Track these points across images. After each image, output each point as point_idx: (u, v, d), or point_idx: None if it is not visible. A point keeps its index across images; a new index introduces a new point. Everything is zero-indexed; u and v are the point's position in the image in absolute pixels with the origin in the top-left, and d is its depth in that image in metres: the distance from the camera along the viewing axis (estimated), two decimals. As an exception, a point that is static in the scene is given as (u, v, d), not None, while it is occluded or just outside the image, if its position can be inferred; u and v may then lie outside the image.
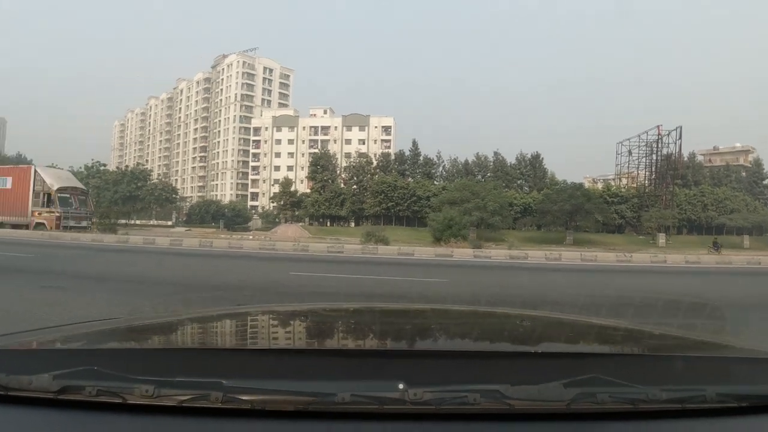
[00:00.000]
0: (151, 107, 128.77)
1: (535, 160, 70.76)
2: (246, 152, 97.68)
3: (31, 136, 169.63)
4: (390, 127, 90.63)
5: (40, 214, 27.37)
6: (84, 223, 28.90)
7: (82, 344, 1.35)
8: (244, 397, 0.91)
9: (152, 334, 1.63)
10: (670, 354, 1.45)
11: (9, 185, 28.89)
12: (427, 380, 0.97)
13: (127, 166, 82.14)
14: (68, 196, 28.81)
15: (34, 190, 27.87)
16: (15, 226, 27.11)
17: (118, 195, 71.13)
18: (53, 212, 27.21)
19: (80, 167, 74.85)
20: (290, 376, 1.01)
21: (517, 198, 61.12)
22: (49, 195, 27.72)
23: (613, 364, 1.16)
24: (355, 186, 68.92)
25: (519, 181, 70.06)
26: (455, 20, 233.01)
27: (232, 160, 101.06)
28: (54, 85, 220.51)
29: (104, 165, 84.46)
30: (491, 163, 71.68)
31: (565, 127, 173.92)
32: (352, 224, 68.76)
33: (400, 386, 0.93)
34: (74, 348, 1.27)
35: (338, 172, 73.34)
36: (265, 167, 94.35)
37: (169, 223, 69.83)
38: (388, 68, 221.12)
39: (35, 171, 28.70)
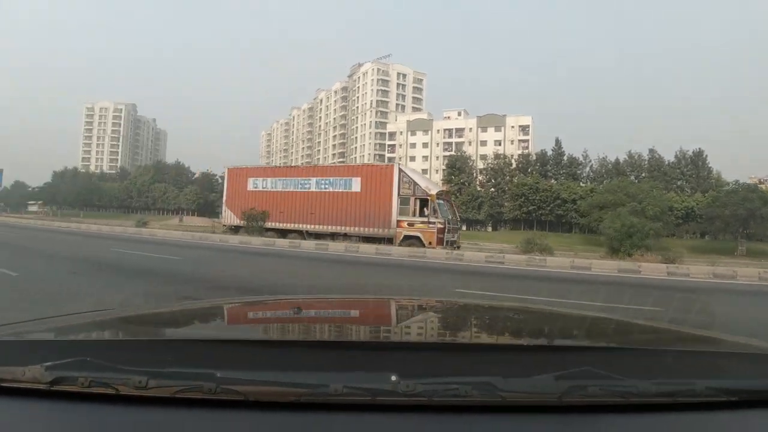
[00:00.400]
0: (294, 117, 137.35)
1: (698, 158, 62.72)
2: (381, 157, 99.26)
3: (189, 147, 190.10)
4: (528, 126, 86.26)
5: (411, 225, 20.99)
6: (455, 237, 22.25)
7: (74, 335, 1.34)
8: (237, 388, 0.92)
9: (145, 325, 1.62)
10: (662, 348, 1.47)
11: (357, 188, 22.71)
12: (420, 372, 0.98)
13: None
14: (445, 203, 22.29)
15: (399, 195, 21.34)
16: (367, 239, 21.34)
17: None
18: (433, 223, 20.60)
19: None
20: (283, 367, 1.01)
21: (677, 201, 54.30)
22: (425, 201, 21.02)
23: (605, 358, 1.17)
24: (492, 189, 66.30)
25: (679, 182, 62.58)
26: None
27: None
28: (210, 100, 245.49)
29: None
30: (646, 162, 64.80)
31: (733, 121, 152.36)
32: (489, 228, 66.12)
33: (393, 378, 0.94)
34: (67, 339, 1.27)
35: (474, 174, 71.06)
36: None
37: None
38: (524, 65, 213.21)
39: (400, 170, 22.08)
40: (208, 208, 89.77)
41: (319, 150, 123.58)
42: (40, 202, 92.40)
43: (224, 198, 27.86)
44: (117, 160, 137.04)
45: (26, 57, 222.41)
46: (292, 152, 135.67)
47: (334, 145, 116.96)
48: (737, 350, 1.44)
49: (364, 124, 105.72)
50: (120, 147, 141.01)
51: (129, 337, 1.40)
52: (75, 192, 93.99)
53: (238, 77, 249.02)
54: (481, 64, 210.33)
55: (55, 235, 24.62)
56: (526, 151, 75.89)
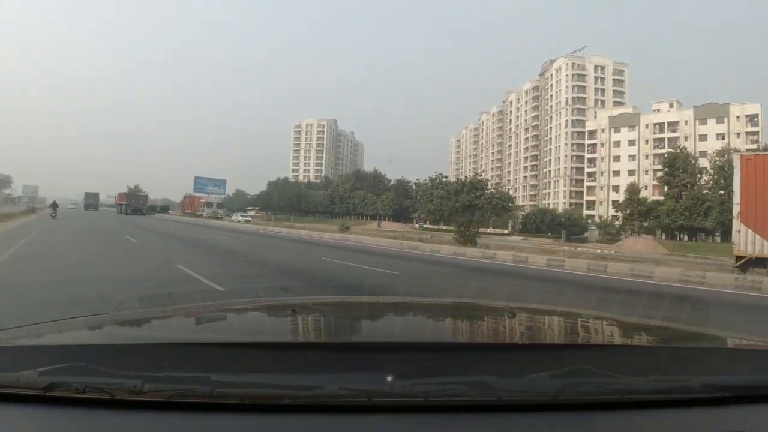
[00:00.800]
0: (483, 122, 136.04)
1: None
2: (579, 158, 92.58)
3: (383, 157, 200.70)
4: (756, 115, 72.25)
5: None
6: None
7: (69, 340, 1.33)
8: (233, 391, 0.92)
9: (139, 328, 1.60)
10: (656, 345, 1.48)
11: None
12: (415, 373, 0.98)
13: (466, 177, 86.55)
14: None
15: None
16: None
17: (459, 204, 74.95)
18: None
19: (424, 179, 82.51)
20: (278, 370, 1.01)
21: None
22: None
23: (600, 356, 1.17)
24: (722, 191, 56.54)
25: None
26: None
27: (565, 167, 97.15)
28: (402, 111, 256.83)
29: (446, 176, 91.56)
30: None
31: None
32: (718, 239, 56.57)
33: (389, 379, 0.93)
34: (61, 344, 1.25)
35: (698, 174, 61.57)
36: (602, 173, 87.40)
37: (505, 231, 70.58)
38: (745, 44, 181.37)
39: None
40: (403, 214, 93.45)
41: (509, 154, 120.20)
42: (257, 207, 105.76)
43: (737, 207, 14.83)
44: (321, 170, 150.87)
45: (256, 91, 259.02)
46: (481, 157, 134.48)
47: (526, 148, 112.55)
48: (731, 346, 1.47)
49: (559, 124, 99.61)
50: (324, 158, 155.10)
51: (123, 341, 1.37)
52: (286, 198, 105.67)
53: (428, 88, 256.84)
54: (693, 45, 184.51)
55: (266, 240, 24.97)
56: (757, 144, 63.38)
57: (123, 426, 0.90)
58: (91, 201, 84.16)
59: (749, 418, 1.01)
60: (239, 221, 58.33)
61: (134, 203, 70.79)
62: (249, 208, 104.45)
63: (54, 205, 44.96)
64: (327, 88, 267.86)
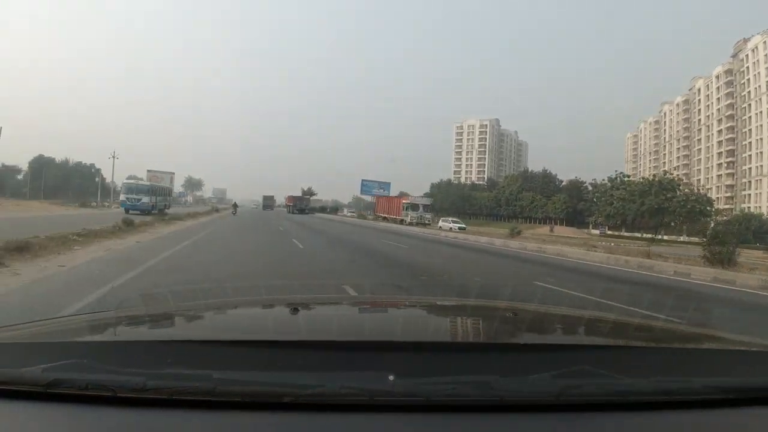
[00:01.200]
0: (665, 114, 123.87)
1: None
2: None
3: (549, 156, 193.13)
4: None
5: None
6: None
7: (71, 337, 1.34)
8: (235, 389, 0.92)
9: (142, 326, 1.61)
10: (658, 346, 1.46)
11: None
12: (417, 372, 0.98)
13: (654, 176, 78.83)
14: None
15: None
16: None
17: (645, 207, 68.82)
18: None
19: (601, 179, 77.40)
20: (280, 368, 1.01)
21: None
22: None
23: (602, 356, 1.16)
24: None
25: None
26: None
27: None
28: (569, 107, 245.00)
29: (628, 176, 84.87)
30: None
31: None
32: None
33: (390, 378, 0.93)
34: (64, 341, 1.25)
35: None
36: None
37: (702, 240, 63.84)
38: None
39: None
40: (577, 218, 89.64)
41: (699, 149, 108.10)
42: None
43: None
44: (483, 171, 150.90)
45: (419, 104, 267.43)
46: (664, 154, 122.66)
47: (719, 142, 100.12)
48: (734, 348, 1.45)
49: (760, 113, 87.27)
50: (486, 159, 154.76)
51: (126, 338, 1.38)
52: (449, 201, 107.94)
53: (597, 81, 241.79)
54: None
55: (442, 248, 21.70)
56: None
57: (125, 423, 0.89)
58: (268, 202, 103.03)
59: (751, 419, 1.01)
60: (450, 228, 43.49)
61: (298, 204, 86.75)
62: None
63: (234, 205, 57.83)
64: (489, 87, 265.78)
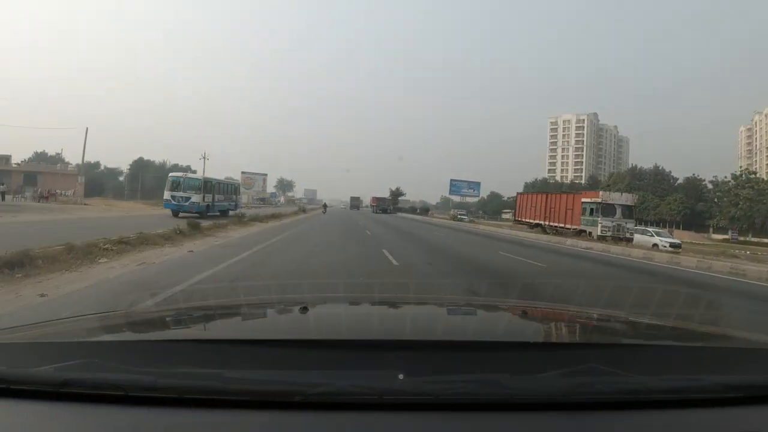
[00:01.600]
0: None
1: None
2: None
3: (654, 152, 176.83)
4: None
5: None
6: None
7: (82, 337, 1.34)
8: (245, 388, 0.92)
9: (152, 326, 1.62)
10: (668, 344, 1.46)
11: None
12: (427, 370, 0.98)
13: None
14: None
15: None
16: None
17: None
18: None
19: (723, 177, 68.27)
20: (290, 366, 1.01)
21: None
22: None
23: (611, 355, 1.16)
24: None
25: None
26: None
27: None
28: (676, 98, 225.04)
29: (754, 173, 74.73)
30: None
31: None
32: None
33: (400, 376, 0.94)
34: (75, 341, 1.25)
35: None
36: None
37: None
38: None
39: None
40: (696, 220, 79.39)
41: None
42: (513, 211, 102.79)
43: None
44: (581, 168, 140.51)
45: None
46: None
47: None
48: (744, 345, 1.44)
49: None
50: (584, 156, 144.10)
51: (136, 338, 1.39)
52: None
53: (710, 68, 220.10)
54: None
55: (562, 260, 15.75)
56: None
57: (136, 422, 0.89)
58: (355, 203, 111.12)
59: (763, 418, 0.99)
60: (656, 246, 27.59)
61: (381, 204, 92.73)
62: (505, 210, 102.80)
63: (324, 206, 63.34)
64: (585, 79, 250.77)
